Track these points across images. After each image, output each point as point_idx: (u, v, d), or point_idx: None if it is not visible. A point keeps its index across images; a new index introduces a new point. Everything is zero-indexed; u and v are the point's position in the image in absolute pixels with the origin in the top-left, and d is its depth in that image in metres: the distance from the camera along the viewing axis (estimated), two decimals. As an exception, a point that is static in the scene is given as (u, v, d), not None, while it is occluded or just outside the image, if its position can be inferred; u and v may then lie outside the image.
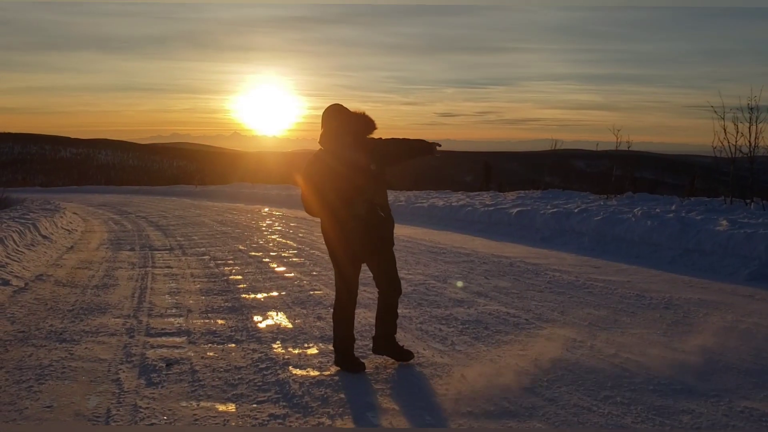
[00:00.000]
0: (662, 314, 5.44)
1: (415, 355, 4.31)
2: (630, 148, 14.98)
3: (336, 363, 4.14)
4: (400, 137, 4.29)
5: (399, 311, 5.58)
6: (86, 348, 4.58)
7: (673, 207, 10.90)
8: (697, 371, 3.95)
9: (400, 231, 12.67)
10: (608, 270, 7.71)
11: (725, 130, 11.64)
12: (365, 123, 4.12)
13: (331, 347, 4.54)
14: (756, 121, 11.34)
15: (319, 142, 4.13)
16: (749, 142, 11.45)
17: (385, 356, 4.25)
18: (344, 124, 4.02)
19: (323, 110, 4.10)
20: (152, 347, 4.60)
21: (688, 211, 10.10)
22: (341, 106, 4.09)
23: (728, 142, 11.63)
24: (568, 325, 5.11)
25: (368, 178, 4.04)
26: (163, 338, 4.86)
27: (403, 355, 4.20)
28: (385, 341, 4.24)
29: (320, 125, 4.09)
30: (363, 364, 4.08)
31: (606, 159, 16.48)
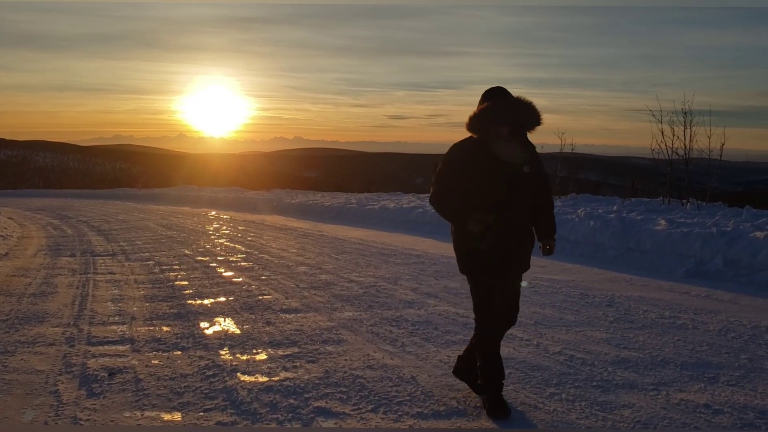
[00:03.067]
0: (605, 312, 5.60)
1: (366, 357, 4.31)
2: (574, 151, 15.42)
3: (479, 390, 3.55)
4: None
5: (350, 314, 5.61)
6: (22, 359, 4.39)
7: (615, 208, 11.24)
8: (638, 366, 4.09)
9: (352, 233, 12.71)
10: (553, 269, 7.89)
11: (662, 133, 12.11)
12: (530, 113, 3.32)
13: (281, 353, 4.49)
14: (690, 125, 11.84)
15: (466, 127, 3.35)
16: (684, 144, 11.95)
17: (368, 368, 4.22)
18: (501, 108, 3.26)
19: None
20: (94, 356, 4.45)
21: (629, 212, 10.44)
22: (503, 88, 3.37)
23: (665, 145, 12.11)
24: (515, 324, 5.19)
25: (514, 183, 3.28)
26: (106, 347, 4.71)
27: (479, 388, 3.57)
28: (468, 365, 3.63)
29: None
30: (509, 410, 3.36)
31: (551, 161, 16.90)
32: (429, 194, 3.47)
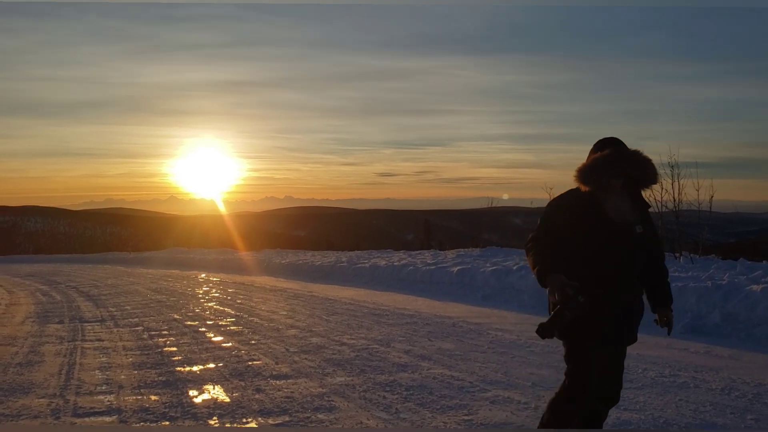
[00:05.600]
0: (603, 371, 5.48)
1: (359, 425, 4.18)
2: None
3: None
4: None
5: (342, 379, 5.48)
6: (4, 434, 4.23)
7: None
8: (640, 428, 3.97)
9: (342, 293, 12.59)
10: (549, 327, 7.78)
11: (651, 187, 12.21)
12: (645, 169, 3.05)
13: (271, 421, 4.35)
14: (678, 177, 12.00)
15: (577, 178, 3.08)
16: (673, 197, 12.07)
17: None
18: (618, 159, 2.99)
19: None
20: (80, 430, 4.28)
21: (621, 266, 10.40)
22: (618, 138, 3.11)
23: (654, 198, 12.22)
24: (512, 386, 5.08)
25: (625, 243, 3.01)
26: (92, 418, 4.54)
27: None
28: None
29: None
30: None
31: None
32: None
